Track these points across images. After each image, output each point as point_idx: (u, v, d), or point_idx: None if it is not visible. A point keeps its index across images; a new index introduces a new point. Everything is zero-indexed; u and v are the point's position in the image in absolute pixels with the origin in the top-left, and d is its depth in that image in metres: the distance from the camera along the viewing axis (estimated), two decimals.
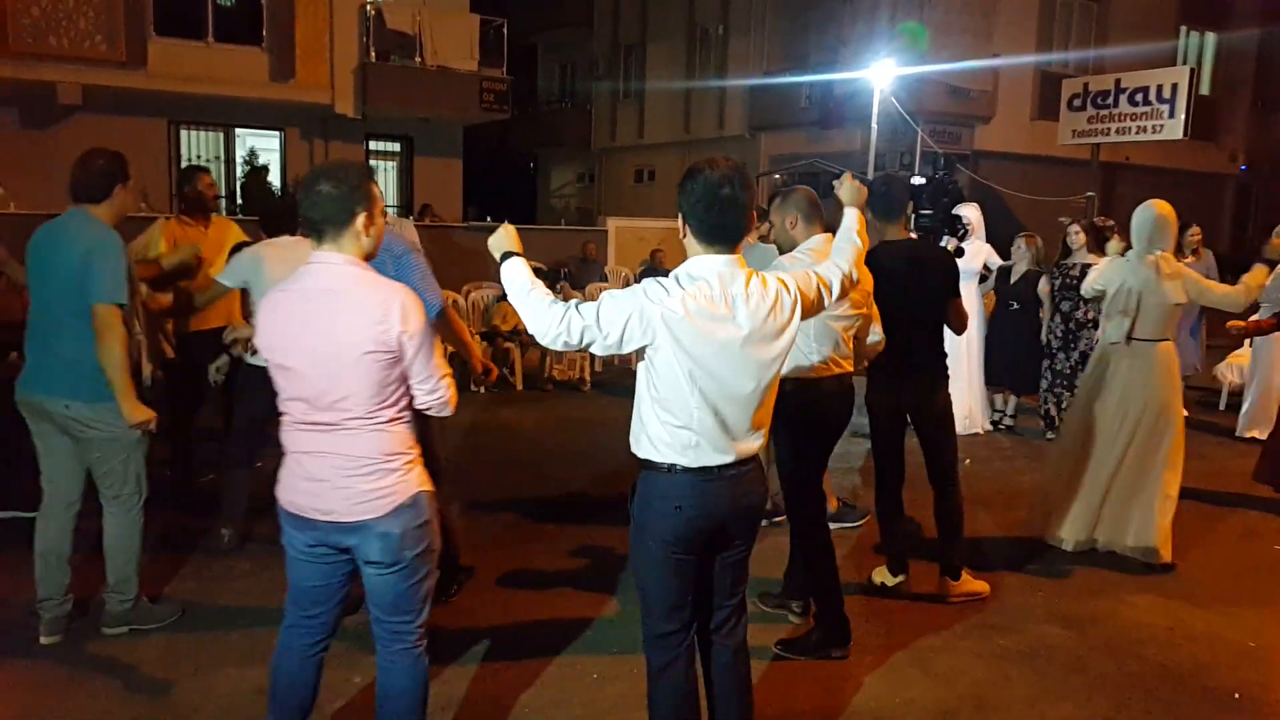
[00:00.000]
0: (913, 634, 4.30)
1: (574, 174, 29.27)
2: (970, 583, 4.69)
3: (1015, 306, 8.32)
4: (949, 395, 4.63)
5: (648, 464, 2.72)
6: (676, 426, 2.64)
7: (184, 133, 16.33)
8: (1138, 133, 15.29)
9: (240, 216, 15.41)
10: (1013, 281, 8.38)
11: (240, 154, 16.78)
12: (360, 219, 2.64)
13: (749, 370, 2.65)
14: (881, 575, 4.77)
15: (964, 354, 7.84)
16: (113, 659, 3.82)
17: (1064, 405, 8.14)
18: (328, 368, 2.57)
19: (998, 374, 8.49)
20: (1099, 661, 4.13)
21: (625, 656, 3.93)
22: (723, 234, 2.65)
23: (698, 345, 2.57)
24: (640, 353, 2.65)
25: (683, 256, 2.76)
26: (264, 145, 17.07)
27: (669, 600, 2.79)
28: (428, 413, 2.79)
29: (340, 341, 2.55)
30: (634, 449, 2.76)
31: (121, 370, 3.66)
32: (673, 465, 2.67)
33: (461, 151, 19.06)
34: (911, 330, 4.46)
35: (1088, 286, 5.46)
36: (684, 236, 2.70)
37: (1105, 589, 4.91)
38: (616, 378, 10.57)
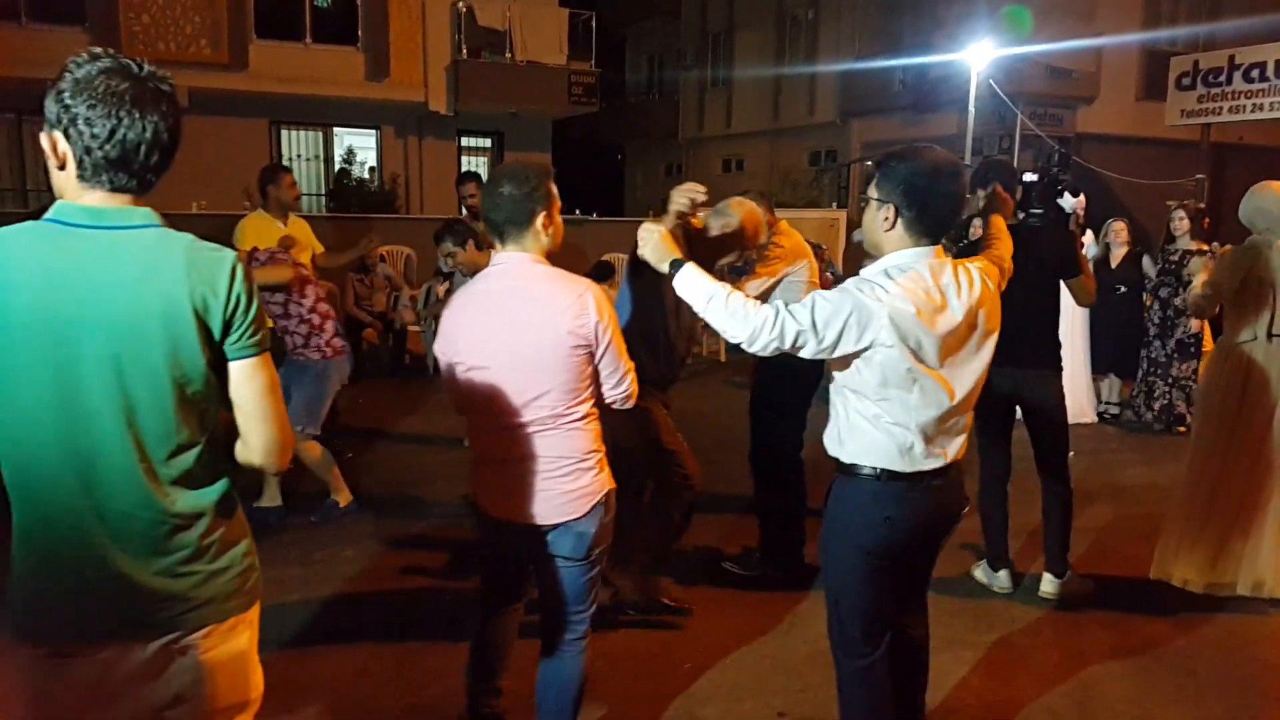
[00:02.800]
0: (1014, 631, 4.20)
1: (662, 165, 29.28)
2: (1075, 581, 4.56)
3: (1122, 290, 8.11)
4: (1062, 386, 4.51)
5: (853, 469, 2.62)
6: (891, 427, 2.53)
7: (284, 132, 16.84)
8: (1253, 111, 14.62)
9: (337, 214, 15.88)
10: (1114, 266, 8.17)
11: (338, 152, 17.22)
12: (540, 218, 2.66)
13: (965, 362, 2.57)
14: (981, 571, 4.67)
15: (1071, 342, 7.63)
16: None
17: (1156, 395, 7.94)
18: (528, 365, 2.59)
19: (1102, 360, 8.30)
20: (1210, 662, 3.97)
21: (720, 647, 3.94)
22: (941, 228, 2.57)
23: (921, 339, 2.47)
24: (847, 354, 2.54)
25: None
26: (360, 143, 17.49)
27: (865, 608, 2.68)
28: (612, 406, 2.79)
29: (541, 337, 2.57)
30: (834, 451, 2.67)
31: None
32: (882, 471, 2.57)
33: (550, 145, 19.22)
34: (1024, 318, 4.31)
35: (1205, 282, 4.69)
36: (889, 229, 2.56)
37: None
38: (711, 369, 10.55)
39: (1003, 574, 4.59)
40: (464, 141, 18.45)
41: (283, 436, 1.82)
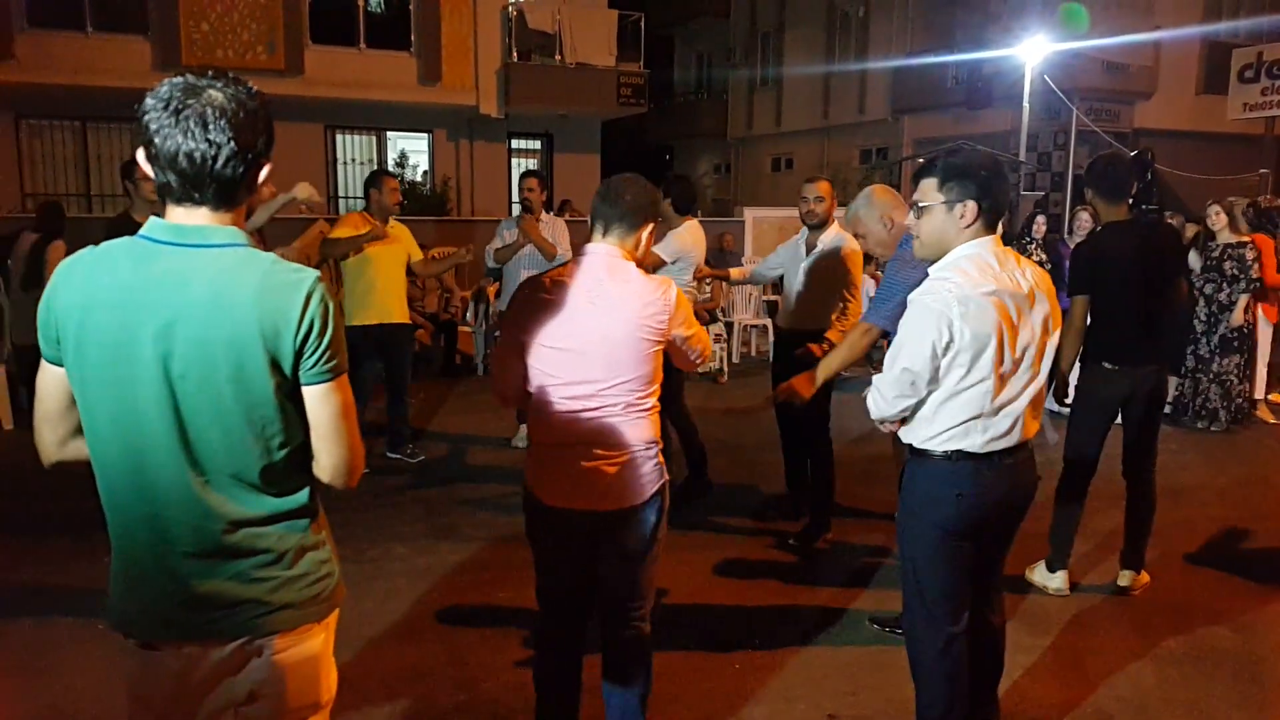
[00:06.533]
0: (1068, 633, 4.14)
1: (710, 165, 29.22)
2: (1145, 576, 4.58)
3: None
4: (1167, 384, 4.50)
5: (925, 451, 2.71)
6: (965, 408, 2.63)
7: (339, 137, 17.07)
8: None
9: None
10: None
11: (391, 156, 17.44)
12: (646, 230, 2.81)
13: (1034, 339, 2.65)
14: (1038, 573, 4.59)
15: None
16: None
17: (1199, 391, 7.81)
18: (608, 352, 2.67)
19: None
20: (1274, 667, 3.89)
21: (769, 648, 3.94)
22: (1000, 218, 2.72)
23: (985, 322, 2.57)
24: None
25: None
26: (413, 147, 17.69)
27: (945, 588, 2.79)
28: (698, 366, 2.99)
29: (623, 327, 2.66)
30: (905, 436, 2.77)
31: None
32: (955, 451, 2.66)
33: (600, 146, 19.28)
34: (1142, 316, 4.26)
35: None
36: (969, 224, 2.66)
37: (1278, 590, 4.61)
38: (752, 368, 10.52)
39: (1060, 576, 4.52)
40: (514, 144, 18.57)
41: (352, 458, 1.82)
